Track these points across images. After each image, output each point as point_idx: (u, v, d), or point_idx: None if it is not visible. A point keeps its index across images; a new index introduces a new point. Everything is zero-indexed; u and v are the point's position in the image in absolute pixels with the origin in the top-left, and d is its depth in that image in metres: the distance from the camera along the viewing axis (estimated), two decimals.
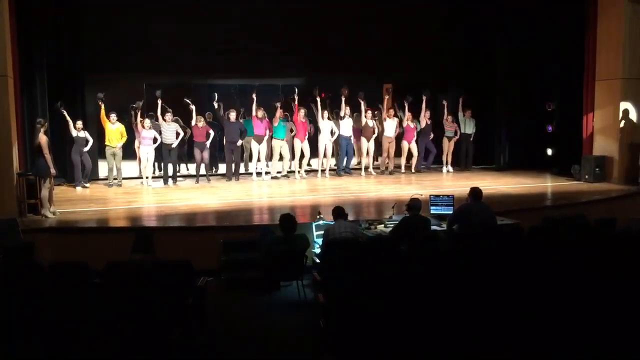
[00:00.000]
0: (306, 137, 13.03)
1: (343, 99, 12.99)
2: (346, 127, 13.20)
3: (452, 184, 12.07)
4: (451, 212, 7.75)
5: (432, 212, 8.11)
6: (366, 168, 13.60)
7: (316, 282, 5.97)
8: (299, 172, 13.17)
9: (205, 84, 16.74)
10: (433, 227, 7.36)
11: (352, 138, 13.34)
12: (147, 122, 11.97)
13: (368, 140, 13.30)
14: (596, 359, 3.94)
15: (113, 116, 11.85)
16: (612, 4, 11.60)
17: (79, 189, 11.55)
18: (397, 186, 11.91)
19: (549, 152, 13.80)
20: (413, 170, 13.74)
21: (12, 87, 9.48)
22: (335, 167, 13.78)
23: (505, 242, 6.54)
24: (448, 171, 13.89)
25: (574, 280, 5.17)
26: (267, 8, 13.39)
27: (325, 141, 13.11)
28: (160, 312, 4.93)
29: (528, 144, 14.08)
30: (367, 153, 13.49)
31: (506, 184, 11.95)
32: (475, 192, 7.44)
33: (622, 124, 11.58)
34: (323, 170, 13.38)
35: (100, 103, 11.88)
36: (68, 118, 11.31)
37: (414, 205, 7.24)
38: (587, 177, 11.94)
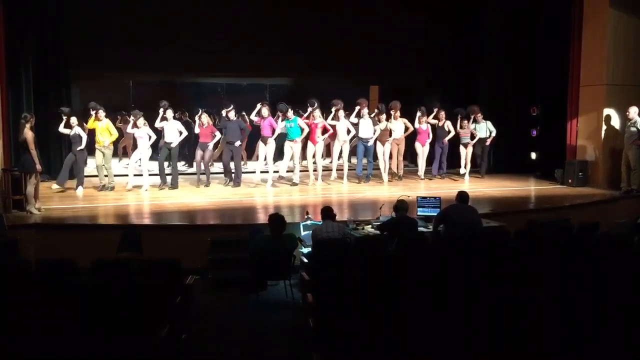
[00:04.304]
0: (321, 138, 12.04)
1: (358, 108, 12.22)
2: (366, 128, 12.10)
3: (437, 186, 12.16)
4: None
5: (419, 213, 8.18)
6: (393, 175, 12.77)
7: (304, 281, 5.99)
8: (314, 172, 12.16)
9: (191, 82, 16.72)
10: (420, 228, 7.43)
11: (371, 140, 12.11)
12: (141, 120, 11.13)
13: (384, 145, 12.29)
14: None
15: (101, 112, 11.00)
16: (598, 11, 11.75)
17: (80, 190, 10.83)
18: (383, 187, 11.93)
19: (533, 156, 13.94)
20: (418, 174, 12.97)
21: None
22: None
23: (491, 243, 6.64)
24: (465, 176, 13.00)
25: (559, 281, 5.26)
26: (256, 7, 13.39)
27: (341, 142, 12.16)
28: (148, 311, 4.92)
29: (512, 148, 14.23)
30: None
31: (490, 187, 12.06)
32: (461, 195, 7.55)
33: (604, 129, 11.76)
34: (339, 170, 12.46)
35: (91, 112, 11.15)
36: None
37: (401, 206, 7.32)
38: (570, 181, 12.08)
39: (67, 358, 4.11)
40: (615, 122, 11.73)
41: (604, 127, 11.75)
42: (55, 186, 10.82)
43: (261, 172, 12.32)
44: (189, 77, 15.43)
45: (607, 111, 11.72)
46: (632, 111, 11.00)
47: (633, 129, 10.97)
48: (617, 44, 11.63)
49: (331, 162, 13.12)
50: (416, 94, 15.39)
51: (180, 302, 5.37)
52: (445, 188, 11.43)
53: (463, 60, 14.59)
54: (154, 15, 12.79)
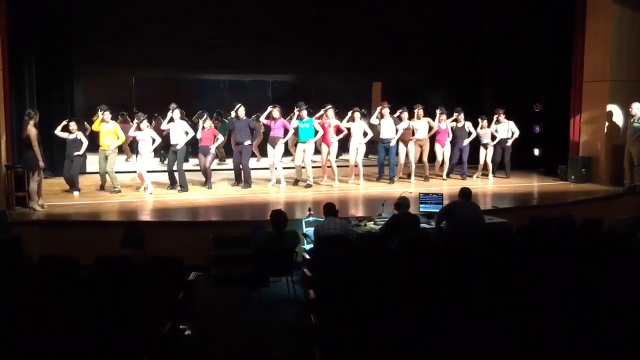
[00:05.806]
0: (336, 139, 11.56)
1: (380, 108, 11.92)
2: (387, 128, 11.74)
3: (440, 182, 12.14)
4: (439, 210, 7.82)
5: (421, 210, 8.18)
6: (408, 175, 12.16)
7: (306, 278, 6.00)
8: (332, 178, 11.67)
9: (194, 78, 16.73)
10: (422, 225, 7.43)
11: (393, 141, 11.72)
12: (145, 122, 10.56)
13: (406, 145, 11.90)
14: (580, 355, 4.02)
15: (107, 114, 10.65)
16: (601, 7, 11.71)
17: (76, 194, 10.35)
18: (388, 185, 11.89)
19: (536, 152, 13.92)
20: (444, 177, 12.37)
21: (2, 79, 9.41)
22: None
23: (493, 240, 6.63)
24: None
25: (560, 279, 5.25)
26: (259, 3, 13.37)
27: (356, 145, 11.58)
28: (150, 307, 4.93)
29: (515, 144, 14.18)
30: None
31: (493, 183, 12.06)
32: (464, 191, 7.54)
33: (607, 126, 11.73)
34: (357, 175, 11.74)
35: (99, 113, 10.89)
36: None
37: (402, 203, 7.32)
38: (573, 177, 12.06)
39: (69, 355, 4.13)
40: (619, 118, 11.70)
41: (607, 123, 11.72)
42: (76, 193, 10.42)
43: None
44: (192, 74, 15.42)
45: (610, 107, 11.69)
46: (635, 107, 10.96)
47: (636, 124, 10.94)
48: (620, 39, 11.60)
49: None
50: (419, 91, 15.37)
51: (182, 298, 5.39)
52: (449, 185, 11.42)
53: (466, 57, 14.57)
54: (156, 12, 12.79)
